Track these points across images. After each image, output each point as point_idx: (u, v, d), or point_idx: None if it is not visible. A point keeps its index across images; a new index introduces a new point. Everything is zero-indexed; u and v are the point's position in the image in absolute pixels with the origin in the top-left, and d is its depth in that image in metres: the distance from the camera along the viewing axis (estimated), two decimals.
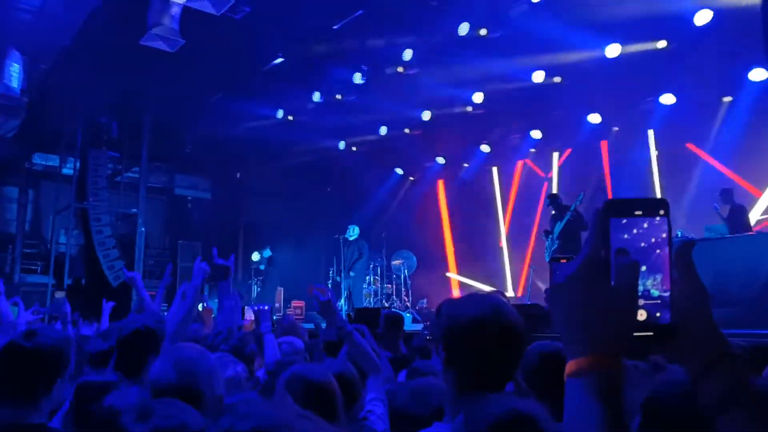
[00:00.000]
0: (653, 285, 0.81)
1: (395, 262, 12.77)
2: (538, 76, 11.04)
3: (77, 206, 14.05)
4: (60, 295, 10.93)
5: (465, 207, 14.45)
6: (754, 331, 5.04)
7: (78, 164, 14.26)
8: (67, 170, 14.50)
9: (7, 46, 11.81)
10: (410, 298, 12.42)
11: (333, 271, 12.59)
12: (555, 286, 0.80)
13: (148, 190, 14.85)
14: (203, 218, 16.32)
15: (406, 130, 13.56)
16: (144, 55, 11.13)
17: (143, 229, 13.90)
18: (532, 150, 13.48)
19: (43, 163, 15.11)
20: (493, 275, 13.35)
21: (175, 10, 10.35)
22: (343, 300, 11.96)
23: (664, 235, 0.82)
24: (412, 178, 15.86)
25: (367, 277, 12.19)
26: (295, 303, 12.70)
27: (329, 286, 12.50)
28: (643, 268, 0.81)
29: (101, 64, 11.89)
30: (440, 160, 15.00)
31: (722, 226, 7.82)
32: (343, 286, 11.96)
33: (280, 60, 11.97)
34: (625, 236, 0.81)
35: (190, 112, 13.96)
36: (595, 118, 11.85)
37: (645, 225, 0.82)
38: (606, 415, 0.73)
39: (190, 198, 17.06)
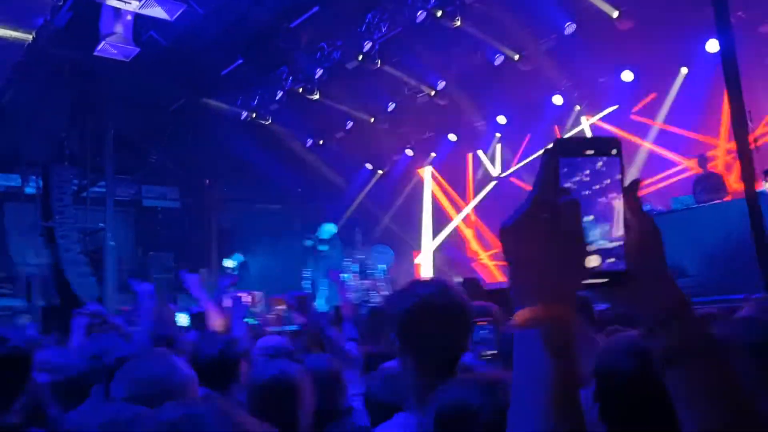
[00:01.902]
0: (605, 231, 0.77)
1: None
2: (499, 59, 11.06)
3: (43, 225, 13.75)
4: (24, 319, 10.64)
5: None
6: (724, 297, 5.12)
7: (41, 182, 13.95)
8: (30, 189, 14.17)
9: None
10: (389, 292, 12.40)
11: (308, 271, 12.52)
12: (503, 230, 0.75)
13: (115, 203, 14.56)
14: (174, 228, 16.09)
15: (372, 119, 13.49)
16: (100, 66, 10.93)
17: (113, 243, 13.64)
18: (498, 135, 13.54)
19: (5, 183, 14.74)
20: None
21: (128, 19, 10.17)
22: (322, 299, 11.90)
23: (615, 177, 0.78)
24: (381, 172, 15.83)
25: (344, 274, 12.13)
26: (278, 307, 12.61)
27: (306, 286, 12.43)
28: (592, 216, 0.76)
29: (56, 77, 11.65)
30: (409, 152, 14.99)
31: (689, 197, 7.94)
32: (320, 285, 11.89)
33: (239, 63, 11.84)
34: (574, 179, 0.76)
35: (153, 121, 13.74)
36: (558, 100, 11.95)
37: (596, 166, 0.77)
38: (557, 368, 0.69)
39: (159, 209, 16.79)
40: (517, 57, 10.88)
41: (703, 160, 8.68)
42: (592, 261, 0.76)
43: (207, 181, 16.16)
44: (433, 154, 14.82)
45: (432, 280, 1.55)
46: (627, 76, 10.85)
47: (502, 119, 12.97)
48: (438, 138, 14.26)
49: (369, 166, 15.78)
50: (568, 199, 0.74)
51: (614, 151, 0.78)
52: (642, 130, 11.26)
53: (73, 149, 14.38)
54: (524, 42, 10.66)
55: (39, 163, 13.79)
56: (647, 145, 11.21)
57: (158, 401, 1.64)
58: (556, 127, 12.37)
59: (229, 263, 13.69)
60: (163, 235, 16.21)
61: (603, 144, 0.78)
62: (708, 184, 8.24)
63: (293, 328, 5.39)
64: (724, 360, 0.76)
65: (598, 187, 0.77)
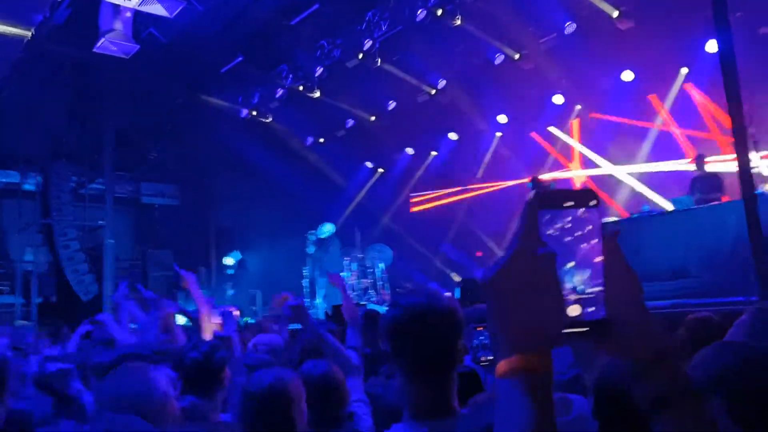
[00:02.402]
0: (584, 279, 0.79)
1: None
2: (499, 58, 11.03)
3: (42, 222, 13.74)
4: (20, 323, 10.63)
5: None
6: (722, 300, 5.10)
7: (39, 179, 13.93)
8: (29, 186, 14.15)
9: None
10: (388, 291, 12.38)
11: (307, 270, 12.50)
12: (484, 281, 0.78)
13: (114, 200, 14.54)
14: (173, 226, 16.06)
15: (372, 118, 13.47)
16: (100, 63, 10.91)
17: (111, 240, 13.63)
18: (498, 134, 13.51)
19: (4, 180, 14.72)
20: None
21: (127, 16, 10.15)
22: (321, 299, 11.89)
23: (593, 227, 0.79)
24: (381, 170, 15.81)
25: (343, 273, 12.12)
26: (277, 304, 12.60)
27: (305, 284, 12.42)
28: (572, 263, 0.78)
29: (55, 74, 11.63)
30: (409, 150, 14.97)
31: (688, 197, 7.91)
32: (318, 284, 11.88)
33: (239, 60, 11.81)
34: (553, 230, 0.78)
35: (152, 118, 13.73)
36: (558, 99, 11.93)
37: (573, 218, 0.79)
38: (535, 414, 0.73)
39: (157, 206, 16.77)
40: (517, 56, 10.86)
41: (701, 160, 8.64)
42: (573, 310, 0.78)
43: (206, 179, 16.14)
44: (434, 153, 14.79)
45: (418, 290, 1.55)
46: (627, 75, 10.83)
47: (502, 118, 12.95)
48: (438, 137, 14.23)
49: (369, 164, 15.76)
50: (545, 250, 0.76)
51: (593, 203, 0.80)
52: (641, 130, 11.25)
53: (72, 146, 14.36)
54: (524, 41, 10.63)
55: (38, 160, 13.76)
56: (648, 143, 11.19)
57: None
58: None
59: (227, 261, 13.65)
60: (161, 232, 16.19)
61: (582, 196, 0.80)
62: (706, 183, 8.22)
63: (293, 327, 5.37)
64: (706, 405, 0.79)
65: (579, 233, 0.79)
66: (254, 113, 13.39)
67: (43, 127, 13.34)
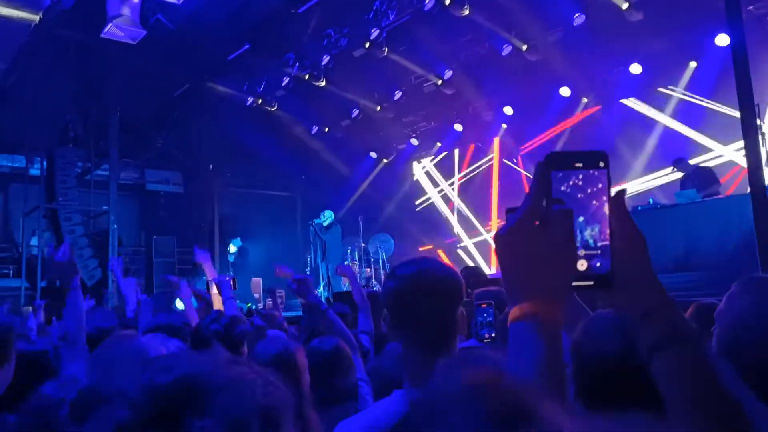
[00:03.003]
0: (592, 235, 0.84)
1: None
2: (507, 49, 10.98)
3: (47, 207, 13.77)
4: (27, 310, 10.65)
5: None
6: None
7: (45, 164, 13.95)
8: (35, 171, 14.18)
9: None
10: None
11: (310, 258, 12.53)
12: (498, 236, 0.84)
13: (119, 186, 14.57)
14: (177, 213, 16.10)
15: (378, 108, 13.44)
16: (107, 49, 10.90)
17: (116, 226, 13.67)
18: (504, 125, 13.48)
19: (10, 164, 14.76)
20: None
21: (135, 1, 10.14)
22: (321, 286, 11.91)
23: (602, 186, 0.84)
24: (385, 160, 15.80)
25: (345, 262, 12.15)
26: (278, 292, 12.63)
27: (308, 272, 12.44)
28: (581, 219, 0.83)
29: (62, 59, 11.62)
30: (414, 141, 14.96)
31: (692, 191, 7.89)
32: (321, 271, 11.90)
33: (245, 48, 11.79)
34: (565, 188, 0.83)
35: (158, 105, 13.73)
36: (565, 91, 11.89)
37: (583, 176, 0.84)
38: (547, 354, 0.79)
39: (162, 193, 16.79)
40: (525, 47, 10.81)
41: (683, 163, 8.72)
42: (580, 265, 0.84)
43: (210, 166, 16.15)
44: (439, 144, 14.78)
45: (414, 258, 1.56)
46: (635, 68, 10.78)
47: (508, 110, 12.92)
48: (444, 127, 14.21)
49: (373, 154, 15.75)
50: (561, 207, 0.82)
51: (602, 164, 0.85)
52: (648, 123, 11.22)
53: (77, 132, 14.37)
54: (532, 32, 10.58)
55: (44, 145, 13.77)
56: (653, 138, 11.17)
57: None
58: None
59: (232, 248, 13.63)
60: (165, 219, 16.22)
61: (591, 157, 0.85)
62: (700, 178, 8.24)
63: (293, 314, 5.40)
64: (703, 347, 0.84)
65: (589, 191, 0.84)
66: (260, 101, 13.38)
67: (49, 111, 13.35)
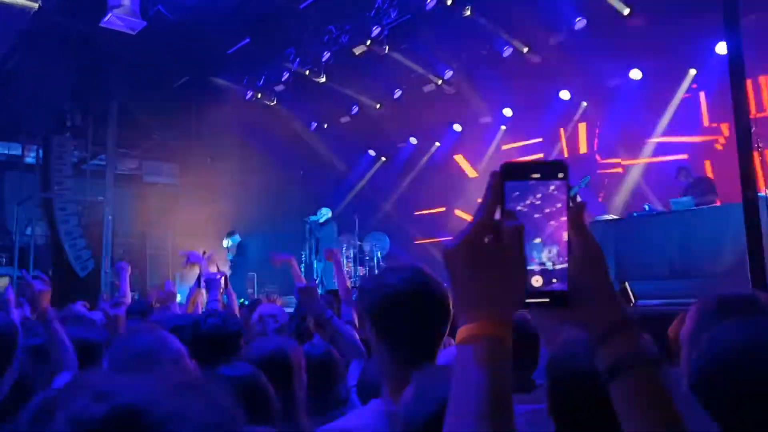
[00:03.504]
0: (549, 249, 0.80)
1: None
2: (508, 51, 10.96)
3: (42, 196, 13.72)
4: (3, 282, 10.58)
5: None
6: None
7: (41, 152, 13.89)
8: (30, 159, 14.12)
9: None
10: None
11: (305, 255, 12.50)
12: (446, 250, 0.79)
13: (116, 177, 14.53)
14: (173, 205, 16.04)
15: (377, 106, 13.41)
16: (106, 38, 10.85)
17: (110, 217, 13.62)
18: (503, 127, 13.46)
19: (5, 152, 14.70)
20: None
21: None
22: (316, 284, 11.87)
23: (561, 198, 0.80)
24: (384, 159, 15.77)
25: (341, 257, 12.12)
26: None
27: (302, 269, 12.42)
28: (538, 240, 0.79)
29: (61, 47, 11.56)
30: (413, 140, 14.93)
31: (689, 198, 7.89)
32: (315, 269, 11.87)
33: (246, 41, 11.74)
34: (523, 206, 0.79)
35: (157, 97, 13.66)
36: (565, 95, 11.88)
37: (543, 192, 0.79)
38: (490, 382, 0.73)
39: (159, 185, 16.74)
40: (525, 50, 10.79)
41: (686, 172, 8.78)
42: (535, 281, 0.80)
43: (208, 159, 16.09)
44: (437, 144, 14.75)
45: (404, 267, 1.51)
46: (635, 74, 10.77)
47: (508, 111, 12.90)
48: (443, 127, 14.18)
49: (372, 152, 15.72)
50: (512, 223, 0.77)
51: (561, 175, 0.80)
52: (646, 130, 11.21)
53: (75, 121, 14.31)
54: (534, 35, 10.57)
55: (40, 133, 13.71)
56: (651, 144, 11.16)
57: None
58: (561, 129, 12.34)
59: (225, 243, 13.58)
60: (162, 211, 16.16)
61: (549, 168, 0.80)
62: (699, 188, 8.27)
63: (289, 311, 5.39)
64: (660, 373, 0.80)
65: (548, 210, 0.80)
66: (259, 95, 13.34)
67: (47, 100, 13.28)
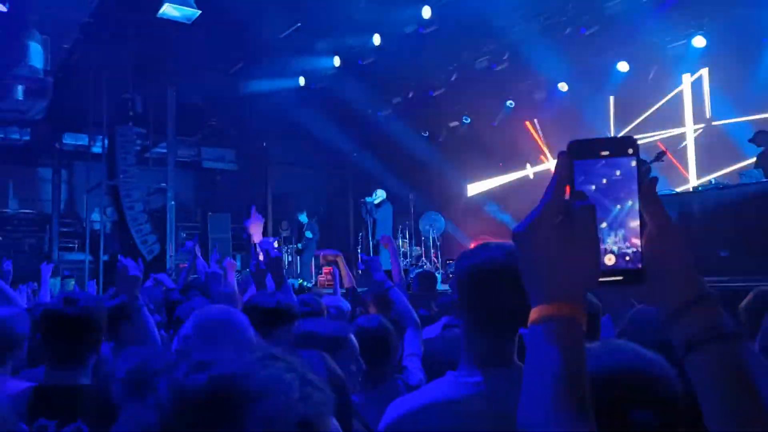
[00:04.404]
0: (624, 233, 0.79)
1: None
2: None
3: (108, 184, 14.29)
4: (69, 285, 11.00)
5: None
6: None
7: (106, 142, 14.45)
8: (97, 149, 14.71)
9: (29, 27, 11.91)
10: (440, 260, 12.38)
11: (362, 235, 12.60)
12: (516, 233, 0.79)
13: (176, 164, 15.00)
14: (231, 190, 16.45)
15: (430, 86, 13.29)
16: (163, 28, 11.14)
17: (173, 202, 14.08)
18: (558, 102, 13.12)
19: (73, 142, 15.35)
20: None
21: None
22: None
23: (632, 175, 0.78)
24: (437, 138, 15.67)
25: (396, 240, 12.17)
26: (325, 269, 12.74)
27: (359, 250, 12.54)
28: (604, 224, 0.78)
29: (122, 38, 11.93)
30: (466, 119, 14.77)
31: (758, 171, 7.54)
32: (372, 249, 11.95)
33: (297, 26, 11.83)
34: (593, 182, 0.78)
35: (213, 84, 13.96)
36: (623, 66, 11.49)
37: (613, 169, 0.78)
38: (566, 362, 0.73)
39: (217, 170, 17.19)
40: (580, 21, 10.47)
41: (762, 135, 8.22)
42: (608, 260, 0.79)
43: (264, 143, 16.38)
44: (493, 122, 14.53)
45: (498, 243, 1.52)
46: (699, 41, 10.30)
47: (563, 86, 12.58)
48: (497, 104, 13.97)
49: (425, 133, 15.64)
50: (583, 204, 0.76)
51: (630, 151, 0.79)
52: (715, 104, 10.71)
53: (137, 110, 14.80)
54: (589, 5, 10.24)
55: (105, 124, 14.24)
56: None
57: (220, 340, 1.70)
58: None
59: (303, 218, 13.44)
60: (221, 196, 16.60)
61: (619, 144, 0.79)
62: None
63: (342, 291, 5.48)
64: (738, 348, 0.78)
65: (615, 189, 0.79)
66: (311, 80, 13.44)
67: (110, 91, 13.78)
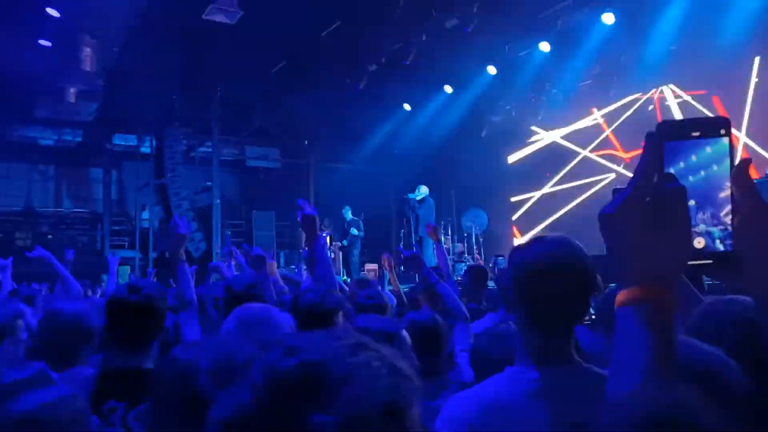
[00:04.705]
0: (714, 213, 0.78)
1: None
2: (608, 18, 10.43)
3: (156, 182, 14.66)
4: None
5: None
6: None
7: (154, 142, 14.81)
8: (145, 149, 15.10)
9: (81, 32, 12.29)
10: (482, 256, 12.30)
11: (403, 232, 12.60)
12: (604, 215, 0.78)
13: (221, 163, 15.28)
14: (275, 187, 16.67)
15: (471, 83, 13.18)
16: (207, 30, 11.35)
17: (219, 201, 14.36)
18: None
19: (123, 143, 15.81)
20: None
21: None
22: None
23: (727, 158, 0.76)
24: (479, 133, 15.54)
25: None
26: (368, 266, 12.80)
27: (401, 246, 12.54)
28: (692, 202, 0.76)
29: (168, 41, 12.20)
30: (511, 112, 14.60)
31: None
32: (415, 247, 11.95)
33: (338, 24, 11.89)
34: (682, 162, 0.77)
35: (255, 83, 14.15)
36: None
37: (704, 149, 0.77)
38: (655, 344, 0.73)
39: (261, 168, 17.44)
40: None
41: None
42: (697, 243, 0.78)
43: (306, 142, 16.54)
44: (538, 113, 14.35)
45: (549, 238, 1.51)
46: None
47: None
48: (543, 96, 13.79)
49: (466, 127, 15.53)
50: (674, 185, 0.75)
51: (723, 131, 0.77)
52: None
53: (183, 111, 15.13)
54: None
55: (153, 124, 14.61)
56: None
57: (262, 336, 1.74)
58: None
59: (348, 215, 13.52)
60: (265, 194, 16.84)
61: (710, 125, 0.77)
62: None
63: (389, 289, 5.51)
64: None
65: (706, 170, 0.77)
66: (352, 77, 13.49)
67: (157, 92, 14.12)
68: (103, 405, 1.95)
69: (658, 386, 0.71)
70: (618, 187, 0.84)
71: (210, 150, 15.27)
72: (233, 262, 6.09)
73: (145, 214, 15.15)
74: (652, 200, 0.75)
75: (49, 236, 14.97)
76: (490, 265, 12.31)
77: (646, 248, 0.75)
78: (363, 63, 13.08)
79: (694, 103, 11.28)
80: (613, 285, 2.75)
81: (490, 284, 7.38)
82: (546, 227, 13.17)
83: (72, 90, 14.11)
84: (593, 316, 2.65)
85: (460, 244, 12.64)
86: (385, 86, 13.61)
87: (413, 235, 11.66)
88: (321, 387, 0.66)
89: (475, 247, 12.44)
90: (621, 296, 0.77)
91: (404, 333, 2.11)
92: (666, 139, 0.77)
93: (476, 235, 12.57)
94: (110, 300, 2.21)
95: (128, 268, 13.06)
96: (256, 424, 0.66)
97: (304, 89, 14.01)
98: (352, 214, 13.09)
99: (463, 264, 10.91)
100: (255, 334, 1.85)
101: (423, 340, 2.33)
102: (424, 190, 11.64)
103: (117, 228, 15.59)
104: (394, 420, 0.66)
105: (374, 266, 12.70)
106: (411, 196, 11.70)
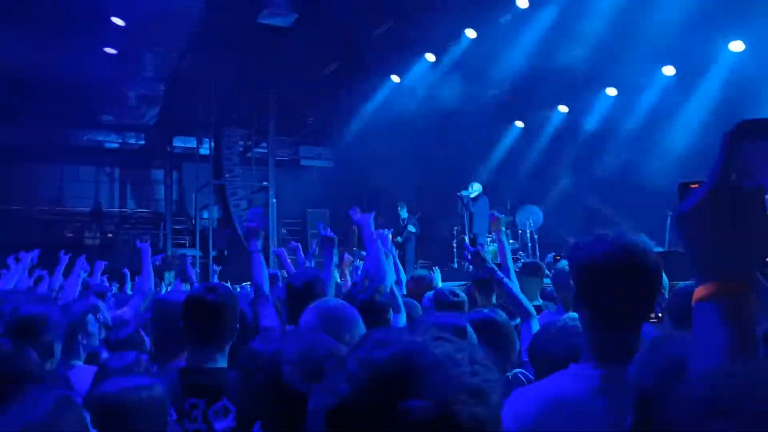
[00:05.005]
0: None
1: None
2: None
3: (215, 183, 15.08)
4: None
5: None
6: None
7: (213, 144, 15.24)
8: (204, 150, 15.55)
9: (143, 39, 12.76)
10: (537, 253, 12.13)
11: (457, 229, 12.55)
12: (681, 215, 0.80)
13: (276, 163, 15.59)
14: (328, 186, 16.87)
15: (522, 77, 13.01)
16: (263, 33, 11.60)
17: (274, 200, 14.65)
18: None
19: (182, 145, 16.32)
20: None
21: None
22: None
23: None
24: (528, 128, 15.32)
25: (492, 235, 12.04)
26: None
27: (453, 244, 12.52)
28: None
29: (225, 45, 12.53)
30: (563, 108, 14.34)
31: None
32: (466, 243, 11.89)
33: (389, 24, 11.94)
34: (759, 161, 0.76)
35: (309, 84, 14.37)
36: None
37: None
38: (734, 338, 0.75)
39: (315, 168, 17.68)
40: None
41: None
42: None
43: (359, 141, 16.66)
44: (589, 113, 14.05)
45: (613, 237, 1.50)
46: None
47: (669, 70, 11.93)
48: (595, 92, 13.47)
49: (519, 124, 15.34)
50: (752, 184, 0.76)
51: None
52: None
53: (239, 113, 15.51)
54: None
55: (210, 126, 15.02)
56: None
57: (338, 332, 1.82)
58: None
59: (404, 213, 13.57)
60: (319, 193, 17.07)
61: None
62: None
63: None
64: None
65: None
66: (403, 76, 13.54)
67: (214, 95, 14.53)
68: (185, 402, 2.05)
69: (738, 362, 0.73)
70: (682, 181, 0.83)
71: (265, 150, 15.60)
72: (288, 259, 6.27)
73: (205, 214, 15.61)
74: (729, 199, 0.76)
75: (110, 235, 15.60)
76: (546, 261, 12.15)
77: (720, 247, 0.77)
78: (414, 62, 13.10)
79: None
80: (677, 283, 2.73)
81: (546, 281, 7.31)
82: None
83: (134, 95, 14.68)
84: (659, 314, 2.62)
85: (513, 241, 12.49)
86: (438, 84, 13.59)
87: (467, 232, 11.62)
88: (413, 375, 0.72)
89: (530, 245, 12.28)
90: (699, 292, 0.79)
91: (470, 328, 2.15)
92: (744, 138, 0.76)
93: (531, 232, 12.40)
94: (188, 299, 2.28)
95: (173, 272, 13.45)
96: (358, 411, 0.72)
97: (357, 89, 14.14)
98: (408, 211, 13.11)
99: (519, 261, 10.80)
100: (333, 327, 1.94)
101: (489, 337, 2.36)
102: (477, 188, 11.57)
103: (178, 227, 16.12)
104: (480, 402, 0.71)
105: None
106: (464, 193, 11.64)
